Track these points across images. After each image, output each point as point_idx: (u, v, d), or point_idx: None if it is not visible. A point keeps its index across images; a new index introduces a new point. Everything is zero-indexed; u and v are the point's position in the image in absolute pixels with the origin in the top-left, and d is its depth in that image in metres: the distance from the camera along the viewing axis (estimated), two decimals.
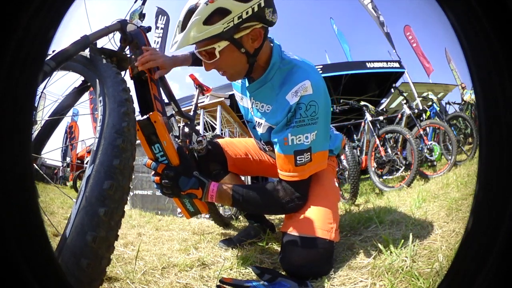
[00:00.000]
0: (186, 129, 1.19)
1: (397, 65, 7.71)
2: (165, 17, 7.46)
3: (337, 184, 1.10)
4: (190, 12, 0.73)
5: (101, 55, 0.85)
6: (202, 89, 1.86)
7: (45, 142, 0.91)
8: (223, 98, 2.92)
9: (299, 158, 0.86)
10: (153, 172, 0.85)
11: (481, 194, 0.32)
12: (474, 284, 0.31)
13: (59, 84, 0.91)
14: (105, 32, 0.90)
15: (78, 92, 0.94)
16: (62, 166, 10.27)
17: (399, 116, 3.29)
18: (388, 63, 7.76)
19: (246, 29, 0.78)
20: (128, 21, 1.03)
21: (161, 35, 7.30)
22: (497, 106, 0.31)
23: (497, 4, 0.29)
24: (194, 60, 1.15)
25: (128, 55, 1.00)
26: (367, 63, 7.76)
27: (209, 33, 0.73)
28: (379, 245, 0.88)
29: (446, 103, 4.85)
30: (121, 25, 0.98)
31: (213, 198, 0.88)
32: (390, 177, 3.13)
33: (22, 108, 0.30)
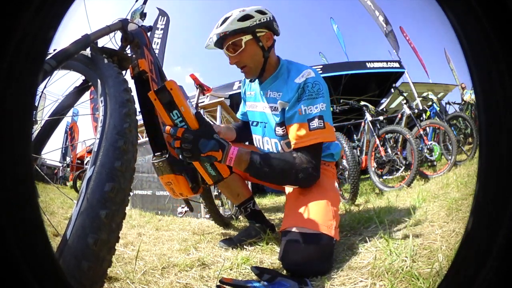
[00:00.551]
0: None
1: (397, 65, 7.70)
2: (165, 18, 7.46)
3: (337, 187, 1.13)
4: (226, 18, 1.03)
5: (102, 54, 0.84)
6: (202, 89, 1.86)
7: (45, 142, 0.91)
8: (223, 98, 2.91)
9: (312, 123, 0.99)
10: (172, 139, 0.84)
11: (481, 194, 0.32)
12: (474, 284, 0.31)
13: (59, 84, 0.91)
14: (106, 31, 0.90)
15: (78, 92, 0.94)
16: (62, 166, 10.27)
17: (399, 116, 3.28)
18: (388, 63, 7.74)
19: (262, 32, 1.07)
20: (129, 20, 1.03)
21: (161, 35, 7.30)
22: (497, 106, 0.31)
23: (497, 4, 0.29)
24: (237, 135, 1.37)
25: (129, 55, 1.00)
26: (367, 63, 7.73)
27: (241, 25, 1.02)
28: (379, 245, 0.88)
29: (446, 103, 4.86)
30: (122, 24, 0.97)
31: (232, 160, 0.88)
32: (390, 177, 3.12)
33: (22, 108, 0.30)
